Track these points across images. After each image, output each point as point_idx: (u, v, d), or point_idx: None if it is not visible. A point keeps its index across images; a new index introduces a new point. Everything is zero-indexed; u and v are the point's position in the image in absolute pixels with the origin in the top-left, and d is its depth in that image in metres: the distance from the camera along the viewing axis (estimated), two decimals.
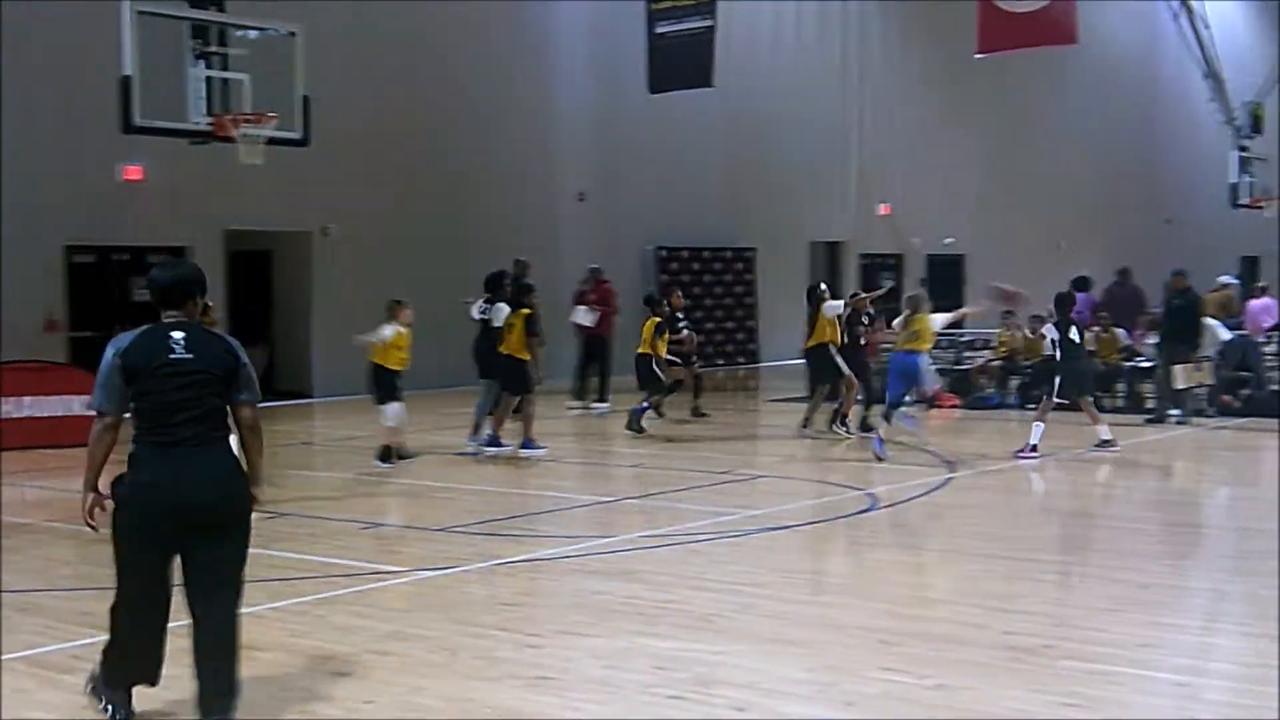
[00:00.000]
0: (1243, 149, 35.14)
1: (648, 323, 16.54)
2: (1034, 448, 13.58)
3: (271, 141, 15.67)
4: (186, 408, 5.21)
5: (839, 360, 15.32)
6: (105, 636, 5.56)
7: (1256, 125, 35.33)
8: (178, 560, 5.32)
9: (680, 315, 17.70)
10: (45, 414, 15.42)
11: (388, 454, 13.21)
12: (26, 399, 15.39)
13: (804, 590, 8.05)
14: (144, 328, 5.38)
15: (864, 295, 16.73)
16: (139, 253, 19.35)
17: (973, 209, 32.71)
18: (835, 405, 15.66)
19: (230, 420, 5.40)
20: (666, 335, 16.57)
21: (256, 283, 21.36)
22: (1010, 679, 6.19)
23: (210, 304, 12.16)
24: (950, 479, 12.43)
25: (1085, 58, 31.41)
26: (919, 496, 11.57)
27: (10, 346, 16.57)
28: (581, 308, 18.93)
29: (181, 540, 5.23)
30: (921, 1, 30.52)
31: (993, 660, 6.50)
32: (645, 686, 6.17)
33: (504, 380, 14.21)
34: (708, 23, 21.43)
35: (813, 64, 29.11)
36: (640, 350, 16.43)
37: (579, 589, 8.22)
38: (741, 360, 27.23)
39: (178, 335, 5.29)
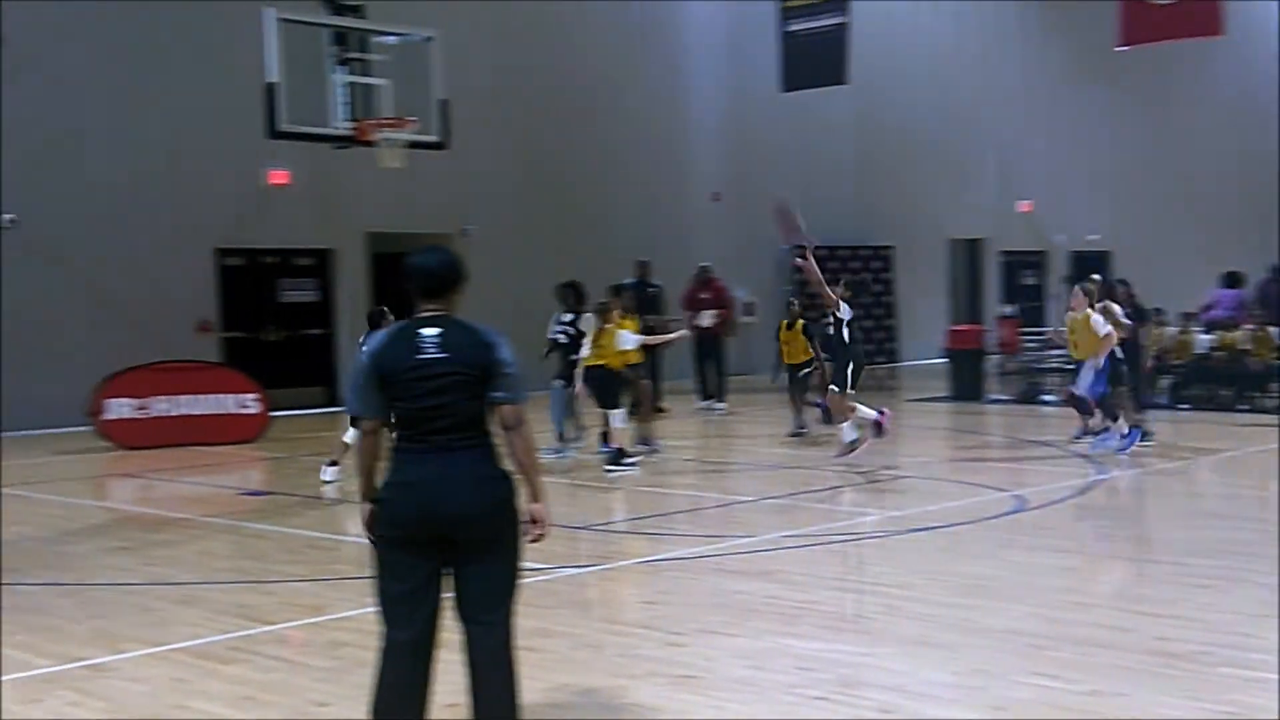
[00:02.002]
0: None
1: None
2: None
3: (411, 145, 15.95)
4: (440, 414, 4.76)
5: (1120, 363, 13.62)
6: (263, 628, 5.63)
7: None
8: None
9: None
10: (199, 412, 16.01)
11: (619, 456, 13.03)
12: (182, 398, 15.96)
13: (949, 592, 7.93)
14: (396, 325, 5.01)
15: (1129, 283, 15.37)
16: (286, 255, 19.86)
17: (1117, 204, 31.99)
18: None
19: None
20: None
21: (399, 285, 21.72)
22: (1165, 685, 6.04)
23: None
24: (1099, 480, 12.17)
25: (1231, 49, 30.49)
26: (1067, 498, 11.35)
27: (165, 347, 17.09)
28: (706, 312, 18.79)
29: (445, 554, 4.81)
30: None
31: (1146, 666, 6.34)
32: (789, 687, 6.15)
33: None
34: (840, 19, 21.30)
35: (949, 58, 28.72)
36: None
37: (719, 588, 8.21)
38: (881, 359, 26.93)
39: (430, 332, 4.82)
